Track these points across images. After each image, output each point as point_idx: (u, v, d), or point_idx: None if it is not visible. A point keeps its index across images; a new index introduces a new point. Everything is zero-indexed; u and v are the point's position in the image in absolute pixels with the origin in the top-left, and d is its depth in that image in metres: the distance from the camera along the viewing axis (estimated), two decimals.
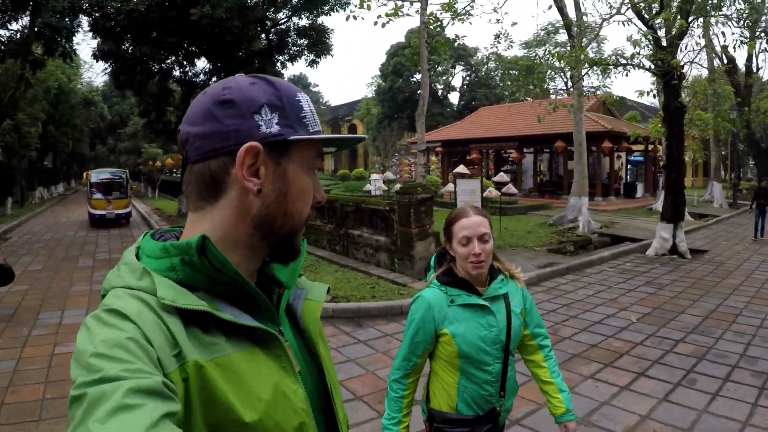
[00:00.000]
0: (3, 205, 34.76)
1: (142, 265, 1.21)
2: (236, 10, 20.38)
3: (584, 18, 23.43)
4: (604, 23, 21.32)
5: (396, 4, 22.07)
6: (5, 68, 27.70)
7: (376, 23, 22.42)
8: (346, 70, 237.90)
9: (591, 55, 21.65)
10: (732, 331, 10.14)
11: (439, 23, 23.11)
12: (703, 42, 24.21)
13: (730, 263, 17.33)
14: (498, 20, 60.36)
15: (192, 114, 1.30)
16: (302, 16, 27.26)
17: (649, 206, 33.68)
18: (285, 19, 26.95)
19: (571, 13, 23.55)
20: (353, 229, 16.88)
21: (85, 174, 35.32)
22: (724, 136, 39.17)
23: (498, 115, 44.10)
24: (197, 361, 1.09)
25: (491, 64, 70.86)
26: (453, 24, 23.46)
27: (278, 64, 28.19)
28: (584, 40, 23.34)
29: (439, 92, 77.74)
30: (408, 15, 22.42)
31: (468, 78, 77.59)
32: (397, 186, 19.69)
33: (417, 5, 22.05)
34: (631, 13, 18.50)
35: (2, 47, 22.81)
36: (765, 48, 22.09)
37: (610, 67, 19.29)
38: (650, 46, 18.52)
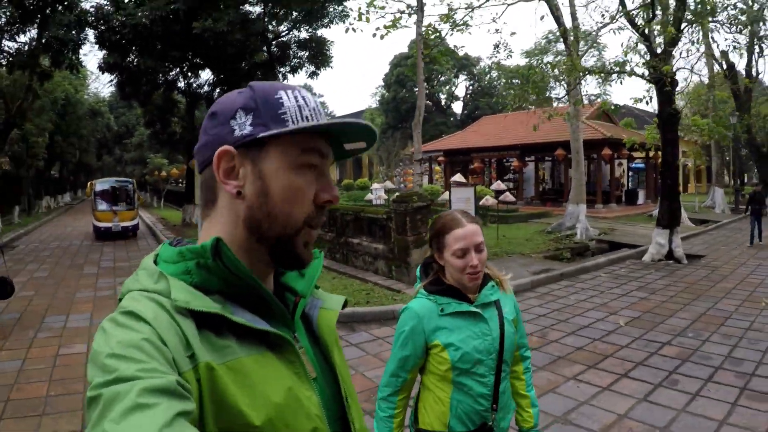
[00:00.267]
0: (10, 214, 35.15)
1: (158, 269, 1.25)
2: (237, 23, 20.65)
3: (580, 27, 23.61)
4: (601, 31, 21.59)
5: (395, 16, 22.35)
6: (13, 79, 28.38)
7: (374, 35, 22.71)
8: (350, 81, 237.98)
9: (592, 63, 21.88)
10: (719, 333, 10.28)
11: (437, 34, 23.36)
12: (702, 48, 24.35)
13: (726, 268, 17.44)
14: (497, 30, 60.66)
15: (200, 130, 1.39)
16: (302, 29, 27.65)
17: (650, 213, 33.77)
18: (286, 32, 27.27)
19: (569, 22, 23.77)
20: (353, 238, 17.10)
21: (89, 184, 34.33)
22: (724, 141, 39.31)
23: (500, 124, 44.22)
24: (209, 363, 1.10)
25: (494, 73, 71.09)
26: (452, 35, 23.74)
27: (280, 76, 28.25)
28: (581, 47, 23.60)
29: (443, 102, 77.97)
30: (406, 27, 22.70)
31: (471, 87, 77.85)
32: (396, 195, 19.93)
33: (415, 17, 22.29)
34: (625, 22, 18.76)
35: (11, 59, 23.20)
36: (761, 53, 22.19)
37: (603, 75, 19.51)
38: (642, 54, 18.74)
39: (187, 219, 31.49)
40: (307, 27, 27.53)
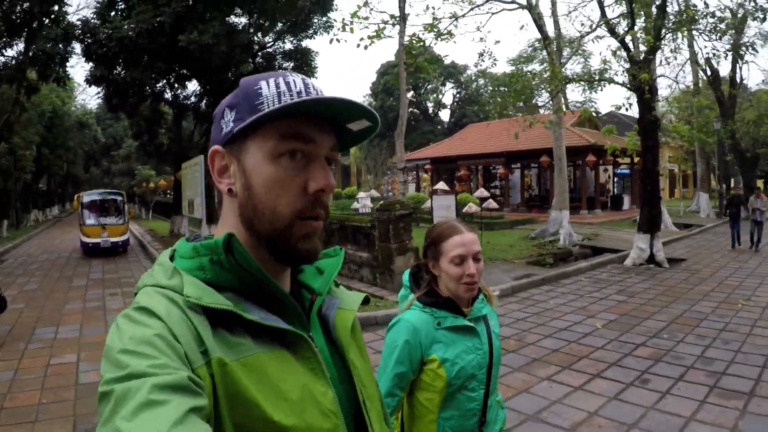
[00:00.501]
0: None
1: (173, 265, 1.25)
2: (223, 35, 20.76)
3: (563, 35, 23.93)
4: (583, 39, 21.89)
5: (378, 27, 22.60)
6: (0, 93, 28.02)
7: (359, 45, 23.01)
8: (337, 90, 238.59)
9: (578, 69, 22.18)
10: (694, 334, 10.52)
11: (422, 43, 23.62)
12: (687, 54, 24.67)
13: (706, 271, 17.71)
14: (482, 39, 61.00)
15: None
16: (287, 40, 27.88)
17: (634, 218, 33.90)
18: (271, 43, 27.44)
19: (552, 31, 24.07)
20: (339, 246, 17.32)
21: (76, 196, 32.13)
22: (708, 147, 39.66)
23: (485, 132, 44.47)
24: (221, 359, 1.10)
25: (480, 81, 71.43)
26: (436, 44, 23.96)
27: None
28: (564, 54, 23.89)
29: (430, 110, 78.25)
30: (390, 37, 22.98)
31: (458, 95, 78.14)
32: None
33: (399, 27, 22.56)
34: (606, 31, 19.06)
35: None
36: (742, 59, 22.44)
37: (584, 83, 19.80)
38: (621, 62, 19.05)
39: (175, 230, 31.42)
40: (292, 38, 27.75)
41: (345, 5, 31.69)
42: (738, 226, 22.75)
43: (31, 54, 23.03)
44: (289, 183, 1.25)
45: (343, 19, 21.71)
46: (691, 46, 26.97)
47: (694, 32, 19.37)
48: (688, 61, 28.18)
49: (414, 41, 23.61)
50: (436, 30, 22.84)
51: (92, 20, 23.10)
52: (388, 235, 15.12)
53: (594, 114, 25.85)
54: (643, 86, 17.68)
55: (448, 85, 79.03)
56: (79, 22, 22.53)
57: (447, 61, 75.58)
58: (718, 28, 18.39)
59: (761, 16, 20.65)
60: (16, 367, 9.47)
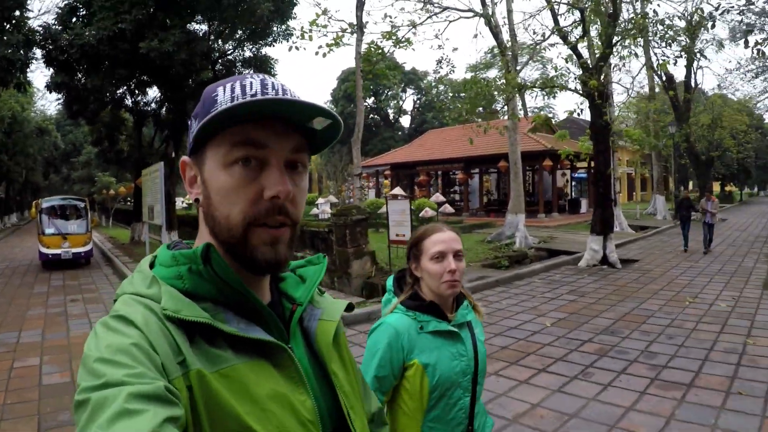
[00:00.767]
0: None
1: (152, 273, 1.26)
2: (183, 43, 20.83)
3: (518, 42, 24.31)
4: (538, 47, 22.30)
5: (337, 35, 22.86)
6: None
7: (317, 53, 23.12)
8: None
9: (536, 75, 22.59)
10: (639, 330, 10.93)
11: (380, 51, 23.91)
12: (642, 60, 25.09)
13: (657, 271, 18.21)
14: (440, 46, 61.40)
15: None
16: (246, 48, 27.97)
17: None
18: (231, 50, 27.52)
19: (508, 39, 24.47)
20: (297, 251, 17.49)
21: (34, 204, 29.58)
22: (665, 151, 40.32)
23: (445, 138, 44.93)
24: (200, 371, 1.10)
25: (441, 87, 71.92)
26: (394, 51, 24.26)
27: None
28: (521, 61, 24.30)
29: (390, 116, 78.56)
30: (348, 44, 23.20)
31: (418, 101, 78.58)
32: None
33: (356, 36, 22.83)
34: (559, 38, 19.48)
35: None
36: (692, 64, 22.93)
37: (537, 89, 20.19)
38: (570, 69, 19.49)
39: (135, 237, 31.31)
40: (252, 46, 27.89)
41: (304, 14, 31.91)
42: (687, 229, 23.17)
43: None
44: (241, 191, 1.23)
45: (302, 27, 21.97)
46: (647, 51, 27.45)
47: (645, 39, 19.76)
48: (644, 67, 28.79)
49: (372, 49, 23.91)
50: (394, 38, 23.15)
51: (54, 26, 23.05)
52: (345, 239, 15.40)
53: (549, 119, 26.22)
54: (592, 92, 18.10)
55: (409, 91, 79.60)
56: (40, 28, 22.46)
57: (407, 68, 76.01)
58: (667, 36, 18.82)
59: (710, 24, 21.21)
60: None
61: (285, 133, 1.26)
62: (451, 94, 65.29)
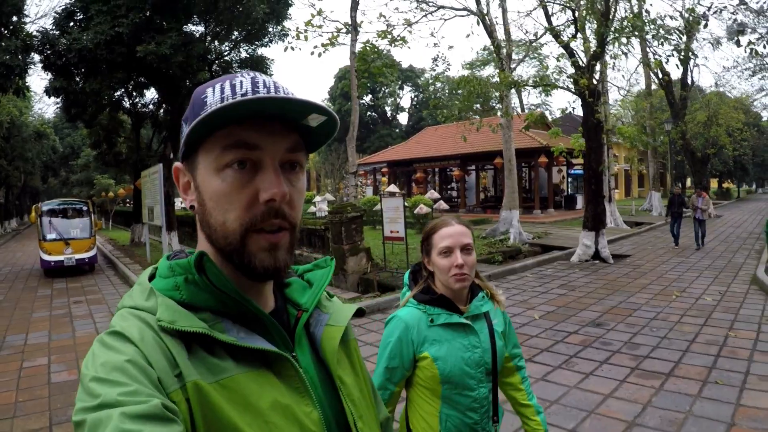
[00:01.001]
0: None
1: (149, 285, 1.23)
2: (180, 46, 20.96)
3: (512, 40, 24.56)
4: (532, 45, 22.57)
5: (332, 35, 23.14)
6: None
7: (313, 53, 23.40)
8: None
9: (533, 72, 22.84)
10: (625, 323, 11.28)
11: (375, 50, 24.18)
12: (636, 59, 25.32)
13: (647, 266, 18.50)
14: (435, 44, 61.48)
15: None
16: (241, 49, 28.16)
17: None
18: (228, 52, 27.63)
19: (503, 37, 24.71)
20: (295, 249, 17.86)
21: (34, 207, 27.87)
22: (661, 148, 40.58)
23: (441, 135, 45.02)
24: (197, 382, 1.07)
25: (438, 84, 72.10)
26: (390, 50, 24.53)
27: None
28: (515, 58, 24.56)
29: (388, 113, 78.68)
30: (343, 44, 23.48)
31: (416, 98, 78.70)
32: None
33: (351, 36, 23.10)
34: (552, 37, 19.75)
35: None
36: (695, 63, 23.07)
37: (530, 87, 20.46)
38: (563, 67, 19.77)
39: (135, 239, 31.43)
40: (247, 47, 28.08)
41: (299, 15, 32.01)
42: (678, 226, 23.31)
43: None
44: (236, 195, 1.19)
45: (297, 27, 22.18)
46: (644, 49, 27.68)
47: (640, 38, 19.98)
48: (642, 65, 29.05)
49: (368, 47, 24.18)
50: (389, 36, 23.41)
51: (51, 31, 23.12)
52: (340, 236, 15.73)
53: (542, 116, 26.42)
54: (584, 91, 18.39)
55: (406, 88, 79.73)
56: (38, 34, 22.60)
57: (405, 65, 76.28)
58: (659, 35, 19.05)
59: (703, 24, 21.46)
60: None
61: (279, 132, 1.21)
62: (448, 91, 65.46)
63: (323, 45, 22.64)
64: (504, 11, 25.08)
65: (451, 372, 2.76)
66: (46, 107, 70.65)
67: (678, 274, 16.77)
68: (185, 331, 1.12)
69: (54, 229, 22.12)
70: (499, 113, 23.37)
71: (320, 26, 23.05)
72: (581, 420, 6.79)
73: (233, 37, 26.55)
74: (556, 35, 19.53)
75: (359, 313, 1.61)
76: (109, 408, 0.94)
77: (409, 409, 3.01)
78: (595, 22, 18.44)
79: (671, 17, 19.96)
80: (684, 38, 20.85)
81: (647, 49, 27.11)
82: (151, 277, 1.28)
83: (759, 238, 24.94)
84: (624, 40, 18.70)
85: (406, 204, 17.86)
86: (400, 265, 17.08)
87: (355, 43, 23.11)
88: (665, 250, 22.50)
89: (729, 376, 8.13)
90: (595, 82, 19.41)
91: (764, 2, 25.26)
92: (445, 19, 24.48)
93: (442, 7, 23.97)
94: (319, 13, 23.22)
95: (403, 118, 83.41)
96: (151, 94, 30.52)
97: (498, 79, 20.89)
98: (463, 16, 24.06)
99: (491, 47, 25.07)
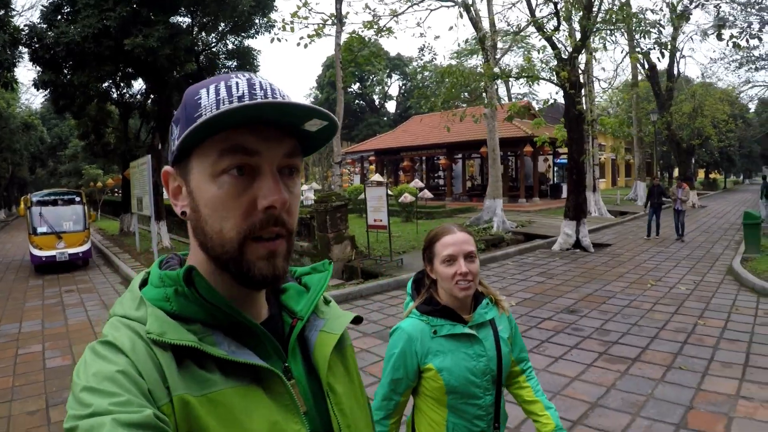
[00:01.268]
0: None
1: (140, 294, 1.21)
2: (167, 38, 20.99)
3: (497, 31, 24.79)
4: (517, 36, 22.82)
5: (318, 26, 23.34)
6: None
7: (299, 44, 23.58)
8: (284, 84, 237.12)
9: (521, 61, 23.00)
10: (598, 310, 11.63)
11: (361, 40, 24.39)
12: (616, 51, 25.60)
13: (627, 255, 18.84)
14: (422, 34, 61.64)
15: None
16: (228, 40, 28.26)
17: None
18: (215, 43, 27.87)
19: (488, 27, 24.96)
20: None
21: (23, 199, 28.04)
22: (647, 138, 40.96)
23: (428, 124, 45.15)
24: (182, 397, 1.06)
25: (426, 73, 72.26)
26: (376, 39, 24.70)
27: None
28: (500, 47, 24.81)
29: (376, 101, 78.77)
30: (329, 35, 23.66)
31: (404, 87, 78.82)
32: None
33: (336, 27, 23.31)
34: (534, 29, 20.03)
35: None
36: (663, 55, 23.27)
37: (513, 78, 20.73)
38: (545, 59, 20.05)
39: (124, 228, 31.48)
40: (234, 38, 28.15)
41: (285, 6, 32.03)
42: (658, 216, 23.40)
43: None
44: (233, 203, 1.15)
45: (284, 19, 22.27)
46: (631, 40, 27.94)
47: (622, 31, 20.23)
48: (627, 56, 29.34)
49: (354, 37, 24.40)
50: (375, 27, 23.62)
51: (39, 24, 23.18)
52: (325, 225, 16.08)
53: (525, 107, 26.63)
54: (564, 83, 18.68)
55: (394, 77, 79.76)
56: (26, 27, 22.64)
57: (392, 54, 76.26)
58: (641, 28, 19.30)
59: (684, 19, 21.73)
60: None
61: (278, 137, 1.18)
62: (436, 80, 65.25)
63: (309, 36, 22.85)
64: (489, 1, 25.31)
65: (456, 383, 2.76)
66: (33, 98, 69.95)
67: (656, 264, 17.04)
68: (174, 344, 1.10)
69: (45, 221, 20.75)
70: (484, 104, 23.55)
71: (306, 18, 23.27)
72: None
73: (220, 28, 26.73)
74: (539, 27, 19.77)
75: (356, 321, 1.55)
76: (100, 416, 0.94)
77: (415, 416, 3.00)
78: (579, 14, 18.67)
79: (652, 11, 20.23)
80: (664, 31, 21.09)
81: (633, 41, 27.35)
82: (144, 283, 1.27)
83: (740, 229, 25.24)
84: (606, 33, 18.99)
85: (390, 193, 18.10)
86: (384, 253, 17.46)
87: (341, 35, 23.32)
88: (646, 240, 22.78)
89: (693, 362, 8.41)
90: (577, 74, 19.68)
91: None
92: (431, 10, 24.69)
93: None
94: (305, 4, 23.39)
95: (391, 107, 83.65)
96: (138, 84, 30.55)
97: (482, 70, 21.17)
98: (448, 6, 24.29)
99: (477, 37, 25.25)
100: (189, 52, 23.77)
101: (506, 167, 44.49)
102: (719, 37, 19.82)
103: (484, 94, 22.58)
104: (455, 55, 55.85)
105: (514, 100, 55.61)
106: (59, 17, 23.08)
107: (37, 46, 22.51)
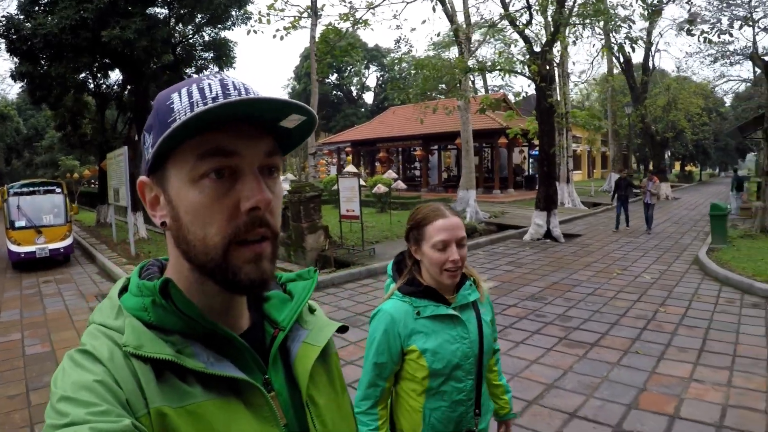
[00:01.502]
0: None
1: (118, 302, 1.19)
2: (143, 30, 20.98)
3: (471, 26, 25.06)
4: (491, 30, 23.10)
5: (294, 18, 23.48)
6: None
7: (275, 36, 23.66)
8: (262, 73, 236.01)
9: (495, 54, 23.19)
10: (563, 298, 11.99)
11: (338, 32, 24.55)
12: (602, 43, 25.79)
13: (596, 245, 19.23)
14: (398, 26, 61.72)
15: None
16: (204, 32, 28.30)
17: None
18: (191, 35, 28.00)
19: (463, 21, 25.21)
20: None
21: None
22: (621, 131, 41.41)
23: (404, 115, 45.11)
24: (159, 409, 1.04)
25: (404, 64, 72.33)
26: (352, 31, 24.85)
27: (185, 77, 26.75)
28: (475, 39, 25.07)
29: (354, 92, 78.84)
30: (305, 27, 23.83)
31: (381, 78, 78.89)
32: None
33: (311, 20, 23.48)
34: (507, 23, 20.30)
35: None
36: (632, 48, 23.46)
37: (485, 71, 21.00)
38: (514, 53, 20.36)
39: (101, 219, 31.37)
40: (210, 30, 28.24)
41: None
42: (626, 209, 23.77)
43: None
44: (215, 207, 1.12)
45: (260, 11, 22.25)
46: (607, 35, 28.28)
47: (593, 26, 20.50)
48: (602, 50, 29.63)
49: (330, 29, 24.55)
50: (352, 19, 23.80)
51: (16, 15, 23.14)
52: (299, 215, 16.39)
53: (497, 101, 26.85)
54: (535, 76, 18.98)
55: (372, 68, 79.82)
56: (3, 18, 22.61)
57: (371, 45, 76.36)
58: (612, 23, 19.58)
59: (652, 16, 22.04)
60: None
61: (256, 136, 1.15)
62: (414, 71, 65.21)
63: (285, 29, 22.93)
64: None
65: (439, 365, 2.71)
66: (9, 88, 69.00)
67: (623, 254, 17.38)
68: (151, 357, 1.08)
69: (23, 215, 19.30)
70: (457, 96, 23.76)
71: (282, 10, 23.36)
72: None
73: (197, 20, 26.81)
74: (512, 21, 20.06)
75: (342, 330, 1.53)
76: (78, 425, 0.93)
77: (395, 402, 2.92)
78: (551, 8, 18.92)
79: (623, 6, 20.55)
80: (635, 26, 21.39)
81: (609, 35, 27.68)
82: (124, 289, 1.24)
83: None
84: (579, 27, 19.29)
85: (364, 184, 18.30)
86: (357, 243, 17.72)
87: (315, 28, 23.46)
88: (614, 231, 23.09)
89: (650, 347, 8.75)
90: (548, 67, 19.98)
91: None
92: (407, 2, 24.82)
93: None
94: None
95: (369, 98, 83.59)
96: (115, 75, 30.48)
97: (454, 65, 21.43)
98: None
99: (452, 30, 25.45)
100: (166, 44, 23.81)
101: (481, 159, 44.90)
102: (689, 33, 20.15)
103: (459, 86, 22.77)
104: (433, 46, 56.10)
105: (491, 91, 55.91)
106: (36, 8, 23.01)
107: (14, 37, 22.40)
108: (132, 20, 21.05)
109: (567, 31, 19.27)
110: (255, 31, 24.26)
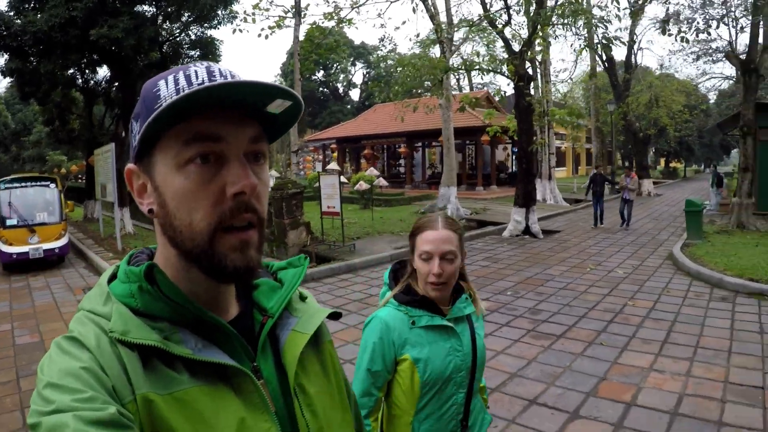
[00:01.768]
0: None
1: (107, 289, 1.18)
2: (131, 29, 21.07)
3: (452, 25, 25.34)
4: (470, 30, 23.41)
5: (279, 17, 23.70)
6: None
7: (260, 35, 23.93)
8: (249, 72, 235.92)
9: (477, 53, 23.40)
10: (535, 292, 12.33)
11: (322, 31, 24.80)
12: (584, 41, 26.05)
13: (573, 241, 19.59)
14: (382, 25, 61.94)
15: None
16: (191, 31, 28.39)
17: None
18: (178, 33, 28.12)
19: (445, 20, 25.51)
20: None
21: None
22: (604, 128, 41.78)
23: (389, 113, 45.10)
24: (146, 395, 1.03)
25: (390, 62, 72.49)
26: (337, 29, 25.11)
27: None
28: (458, 37, 25.38)
29: (340, 89, 79.01)
30: (289, 26, 24.06)
31: (367, 75, 79.07)
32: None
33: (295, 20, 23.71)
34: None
35: None
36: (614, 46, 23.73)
37: (464, 71, 21.34)
38: (493, 54, 20.67)
39: (88, 215, 31.23)
40: (197, 29, 28.34)
41: None
42: (601, 205, 23.68)
43: None
44: (201, 192, 1.12)
45: (245, 11, 22.40)
46: (589, 31, 28.57)
47: (570, 26, 20.78)
48: (586, 48, 29.97)
49: (314, 28, 24.78)
50: (336, 17, 24.05)
51: (7, 12, 23.17)
52: (281, 211, 16.67)
53: (477, 99, 27.10)
54: (513, 76, 19.32)
55: (358, 65, 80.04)
56: None
57: (357, 42, 76.64)
58: (589, 23, 19.88)
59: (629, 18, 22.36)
60: None
61: (241, 121, 1.14)
62: (399, 68, 65.18)
63: (270, 28, 23.11)
64: None
65: (431, 375, 2.69)
66: None
67: (599, 249, 17.72)
68: (138, 343, 1.07)
69: (15, 212, 17.81)
70: (438, 95, 24.06)
71: (267, 9, 23.52)
72: None
73: (183, 19, 26.97)
74: (491, 22, 20.39)
75: (334, 316, 1.50)
76: (64, 413, 0.92)
77: (384, 416, 2.89)
78: (532, 9, 19.21)
79: (599, 7, 20.89)
80: (612, 26, 21.80)
81: (590, 33, 27.96)
82: (113, 277, 1.23)
83: None
84: (558, 27, 19.62)
85: (345, 181, 18.57)
86: (338, 239, 18.04)
87: (299, 28, 23.63)
88: (593, 228, 23.33)
89: (615, 338, 9.07)
90: (526, 67, 20.34)
91: None
92: (391, 1, 25.11)
93: None
94: None
95: (355, 95, 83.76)
96: (103, 71, 30.18)
97: (435, 63, 21.73)
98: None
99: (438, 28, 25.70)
100: (153, 42, 23.93)
101: (465, 155, 45.26)
102: (663, 32, 20.51)
103: (441, 83, 23.06)
104: (419, 44, 56.36)
105: (476, 88, 56.21)
106: (27, 6, 23.15)
107: (4, 33, 22.48)
108: (120, 18, 21.19)
109: (546, 30, 19.55)
110: (240, 30, 24.46)
